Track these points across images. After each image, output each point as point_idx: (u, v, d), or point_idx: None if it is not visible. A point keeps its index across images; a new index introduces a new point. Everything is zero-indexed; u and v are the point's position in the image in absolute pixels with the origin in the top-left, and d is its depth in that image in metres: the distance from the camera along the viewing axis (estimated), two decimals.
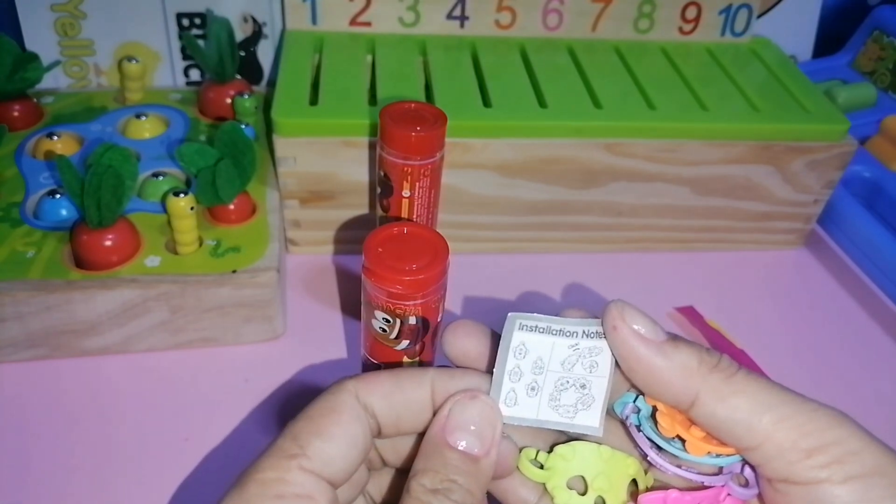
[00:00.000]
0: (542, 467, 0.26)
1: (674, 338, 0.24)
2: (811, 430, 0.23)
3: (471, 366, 0.26)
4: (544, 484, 0.26)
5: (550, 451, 0.26)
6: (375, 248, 0.28)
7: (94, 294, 0.36)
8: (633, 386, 0.25)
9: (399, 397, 0.24)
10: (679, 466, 0.25)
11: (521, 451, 0.27)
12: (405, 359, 0.30)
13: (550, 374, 0.24)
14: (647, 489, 0.26)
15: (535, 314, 0.24)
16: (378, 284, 0.27)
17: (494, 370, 0.24)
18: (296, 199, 0.43)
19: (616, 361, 0.24)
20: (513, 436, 0.26)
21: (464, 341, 0.26)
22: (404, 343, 0.29)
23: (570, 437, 0.27)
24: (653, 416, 0.25)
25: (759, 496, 0.25)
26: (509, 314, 0.24)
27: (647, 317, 0.24)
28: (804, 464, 0.22)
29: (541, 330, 0.24)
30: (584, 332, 0.24)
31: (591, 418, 0.24)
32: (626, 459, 0.26)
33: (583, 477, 0.26)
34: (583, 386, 0.24)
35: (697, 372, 0.24)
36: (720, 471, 0.25)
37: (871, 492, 0.22)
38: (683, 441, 0.25)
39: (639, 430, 0.25)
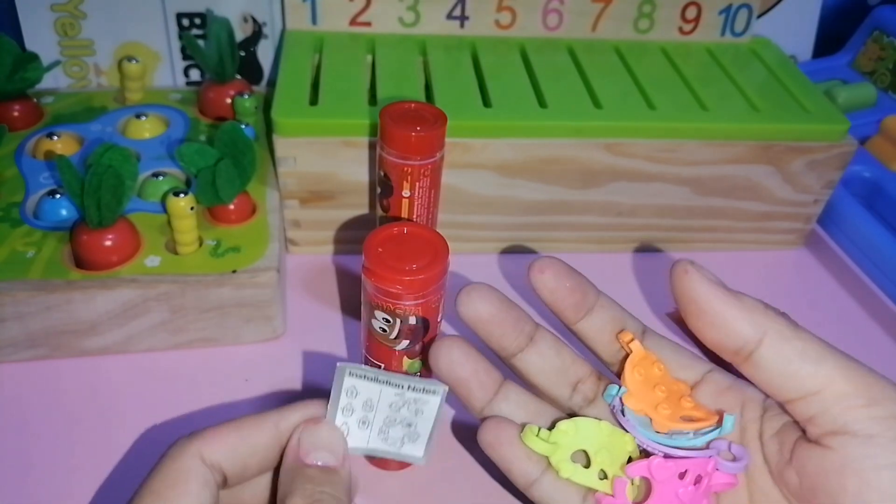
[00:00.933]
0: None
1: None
2: (871, 383, 0.23)
3: (483, 329, 0.28)
4: (548, 458, 0.27)
5: (551, 428, 0.28)
6: (375, 248, 0.28)
7: (94, 294, 0.36)
8: (690, 338, 0.27)
9: (244, 448, 0.25)
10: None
11: (524, 427, 0.28)
12: (405, 359, 0.30)
13: (379, 413, 0.26)
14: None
15: (363, 366, 0.26)
16: (378, 284, 0.27)
17: (328, 406, 0.26)
18: (296, 199, 0.43)
19: (441, 409, 0.26)
20: (516, 413, 0.28)
21: (477, 304, 0.27)
22: (404, 343, 0.29)
23: (572, 414, 0.28)
24: (622, 398, 0.27)
25: (778, 475, 0.25)
26: (338, 364, 0.25)
27: (711, 273, 0.26)
28: (862, 412, 0.23)
29: (369, 378, 0.26)
30: (409, 385, 0.26)
31: (416, 449, 0.27)
32: (624, 436, 0.27)
33: (585, 451, 0.27)
34: (409, 424, 0.26)
35: (765, 313, 0.25)
36: (707, 446, 0.26)
37: None
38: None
39: (623, 415, 0.27)
